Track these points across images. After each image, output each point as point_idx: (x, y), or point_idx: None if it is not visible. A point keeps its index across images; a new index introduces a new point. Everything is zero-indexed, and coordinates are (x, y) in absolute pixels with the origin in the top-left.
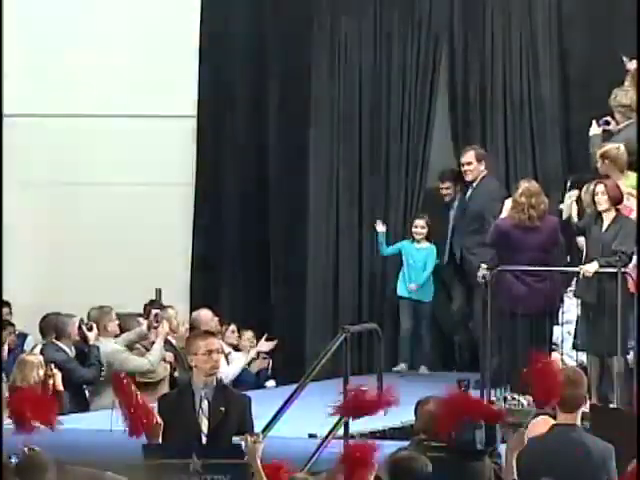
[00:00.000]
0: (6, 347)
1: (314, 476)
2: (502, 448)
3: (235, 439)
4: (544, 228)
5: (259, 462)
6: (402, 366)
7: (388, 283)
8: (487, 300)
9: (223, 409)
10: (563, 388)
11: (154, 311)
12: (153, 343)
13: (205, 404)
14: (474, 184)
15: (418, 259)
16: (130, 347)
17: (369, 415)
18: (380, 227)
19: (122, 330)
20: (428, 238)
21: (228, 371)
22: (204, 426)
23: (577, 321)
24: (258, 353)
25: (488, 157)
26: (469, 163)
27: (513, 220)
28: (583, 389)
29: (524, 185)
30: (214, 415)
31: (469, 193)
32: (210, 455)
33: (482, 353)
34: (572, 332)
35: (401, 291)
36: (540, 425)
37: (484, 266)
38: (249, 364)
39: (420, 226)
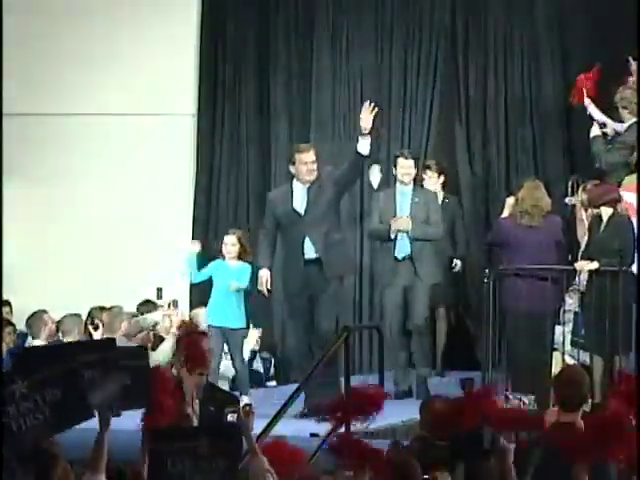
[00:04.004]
0: (5, 346)
1: (326, 475)
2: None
3: (228, 410)
4: (546, 227)
5: (252, 435)
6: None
7: None
8: (489, 299)
9: (213, 409)
10: (564, 387)
11: (171, 298)
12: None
13: (197, 404)
14: (315, 184)
15: (232, 279)
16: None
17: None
18: (194, 246)
19: None
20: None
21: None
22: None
23: (574, 319)
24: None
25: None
26: (314, 161)
27: (515, 219)
28: (584, 388)
29: (527, 184)
30: (205, 415)
31: (313, 193)
32: (217, 439)
33: (484, 353)
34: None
35: (212, 319)
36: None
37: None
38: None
39: (231, 243)
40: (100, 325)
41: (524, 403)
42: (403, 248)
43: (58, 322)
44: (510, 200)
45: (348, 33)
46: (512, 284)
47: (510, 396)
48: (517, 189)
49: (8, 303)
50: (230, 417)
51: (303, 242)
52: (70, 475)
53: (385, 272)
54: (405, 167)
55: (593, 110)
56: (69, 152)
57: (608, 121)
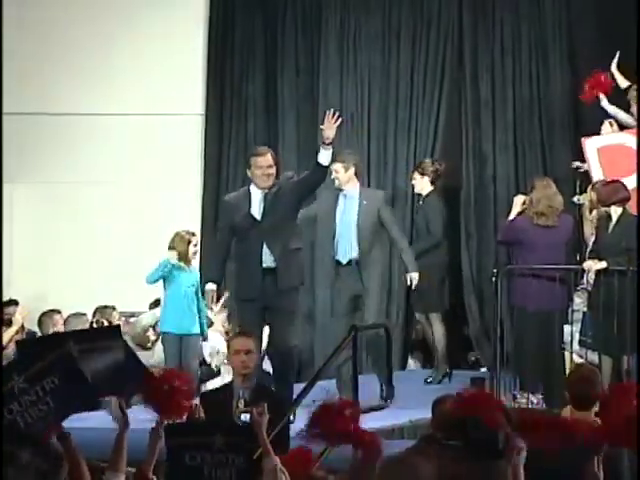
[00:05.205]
0: (12, 345)
1: (334, 475)
2: None
3: (240, 410)
4: (560, 227)
5: (265, 434)
6: None
7: (395, 282)
8: (496, 298)
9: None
10: (577, 387)
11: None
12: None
13: (242, 403)
14: (273, 190)
15: (191, 284)
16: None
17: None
18: (171, 255)
19: None
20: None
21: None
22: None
23: (582, 318)
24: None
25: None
26: (270, 166)
27: (531, 220)
28: (597, 388)
29: (538, 183)
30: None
31: (270, 199)
32: (236, 434)
33: (493, 352)
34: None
35: (168, 325)
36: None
37: None
38: None
39: (194, 245)
40: (105, 324)
41: (532, 402)
42: (346, 251)
43: (64, 321)
44: (518, 199)
45: (356, 32)
46: (522, 283)
47: (518, 395)
48: (529, 189)
49: (16, 302)
50: (243, 417)
51: (261, 250)
52: (86, 475)
53: (324, 278)
54: (333, 171)
55: (606, 105)
56: (76, 152)
57: (622, 115)
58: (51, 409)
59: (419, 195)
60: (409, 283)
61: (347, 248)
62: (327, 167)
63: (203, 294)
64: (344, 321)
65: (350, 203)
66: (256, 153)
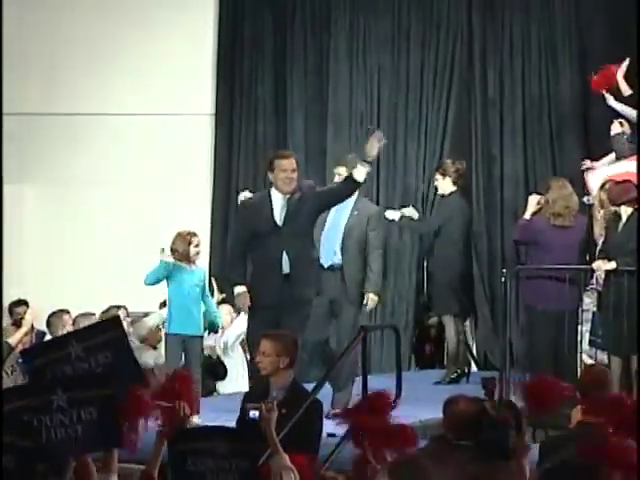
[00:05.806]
0: (20, 346)
1: (343, 474)
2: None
3: (249, 406)
4: (576, 227)
5: (274, 431)
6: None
7: (402, 282)
8: (505, 299)
9: (284, 410)
10: (588, 388)
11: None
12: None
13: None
14: (296, 196)
15: (195, 284)
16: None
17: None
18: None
19: None
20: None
21: (230, 332)
22: None
23: (592, 318)
24: None
25: None
26: (294, 170)
27: (548, 220)
28: (609, 389)
29: (553, 184)
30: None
31: (293, 204)
32: (238, 439)
33: (501, 351)
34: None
35: (173, 326)
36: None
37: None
38: None
39: (197, 244)
40: None
41: None
42: (328, 255)
43: (73, 321)
44: (533, 199)
45: (365, 33)
46: (533, 283)
47: None
48: (545, 190)
49: (25, 303)
50: (252, 413)
51: (281, 256)
52: (93, 474)
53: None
54: (336, 175)
55: (613, 103)
56: (86, 152)
57: (629, 111)
58: (78, 439)
59: (441, 196)
60: (365, 302)
61: (330, 253)
62: (360, 184)
63: (212, 292)
64: (318, 335)
65: (342, 208)
66: (281, 155)
